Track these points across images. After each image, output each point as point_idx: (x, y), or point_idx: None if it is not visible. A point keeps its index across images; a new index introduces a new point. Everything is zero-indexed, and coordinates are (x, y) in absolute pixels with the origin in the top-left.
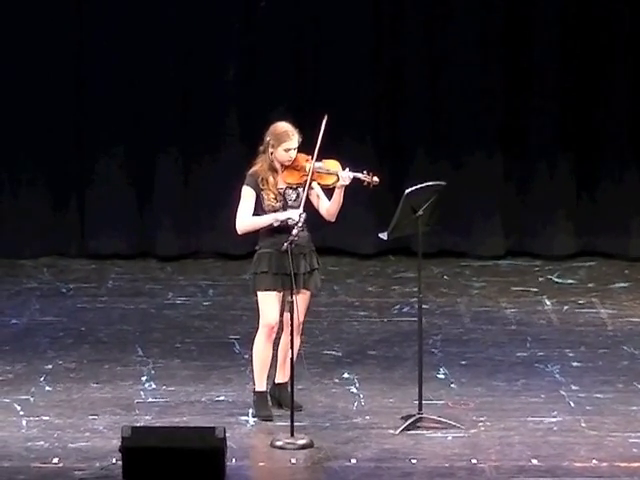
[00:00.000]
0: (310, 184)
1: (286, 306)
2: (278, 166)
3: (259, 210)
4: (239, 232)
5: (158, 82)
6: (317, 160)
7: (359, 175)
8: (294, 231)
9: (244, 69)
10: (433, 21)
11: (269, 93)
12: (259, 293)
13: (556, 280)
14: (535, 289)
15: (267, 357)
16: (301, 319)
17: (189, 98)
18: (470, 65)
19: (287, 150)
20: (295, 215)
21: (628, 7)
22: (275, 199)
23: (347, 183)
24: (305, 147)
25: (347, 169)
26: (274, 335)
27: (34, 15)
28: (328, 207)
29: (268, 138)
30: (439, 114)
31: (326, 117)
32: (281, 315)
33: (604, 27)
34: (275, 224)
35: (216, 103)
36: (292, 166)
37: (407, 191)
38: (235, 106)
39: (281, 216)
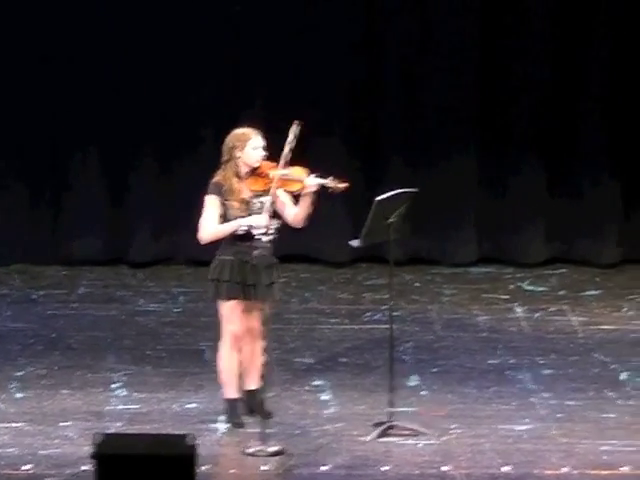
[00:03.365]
0: (275, 192)
1: (253, 314)
2: (244, 173)
3: (223, 220)
4: (202, 241)
5: (134, 86)
6: (283, 167)
7: (324, 181)
8: (265, 238)
9: (220, 73)
10: (412, 27)
11: (244, 97)
12: (222, 302)
13: (527, 288)
14: (506, 296)
15: (233, 364)
16: (258, 328)
17: (164, 103)
18: (447, 72)
19: (255, 148)
20: (261, 220)
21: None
22: (239, 209)
23: (313, 190)
24: (276, 152)
25: (312, 175)
26: (240, 343)
27: (12, 17)
28: (296, 213)
29: (231, 144)
30: (415, 121)
31: (297, 123)
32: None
33: (589, 30)
34: (239, 231)
35: (191, 108)
36: (256, 173)
37: (378, 198)
38: (209, 111)
39: (245, 222)
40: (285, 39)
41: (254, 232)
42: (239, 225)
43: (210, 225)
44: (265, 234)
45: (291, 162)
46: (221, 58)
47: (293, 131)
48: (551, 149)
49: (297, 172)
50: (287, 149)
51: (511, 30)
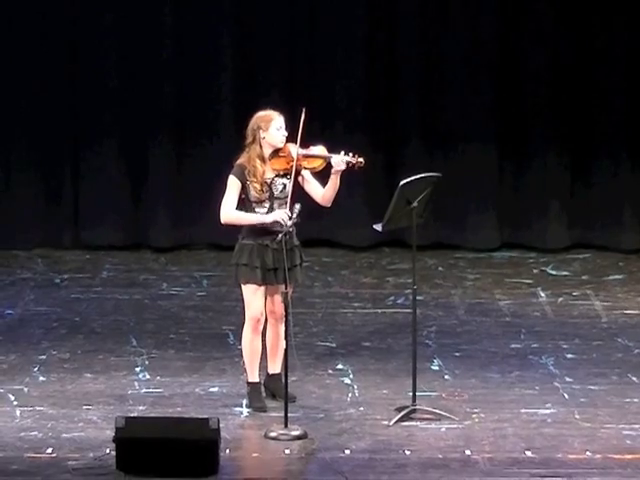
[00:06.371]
0: (297, 170)
1: (275, 297)
2: (267, 154)
3: (245, 201)
4: (222, 222)
5: (151, 73)
6: (303, 147)
7: (350, 159)
8: (289, 222)
9: (237, 60)
10: (429, 12)
11: (262, 84)
12: (242, 285)
13: (550, 272)
14: (529, 281)
15: (256, 348)
16: (281, 312)
17: (182, 89)
18: (466, 57)
19: (279, 129)
20: (283, 216)
21: (623, 6)
22: (261, 190)
23: (343, 168)
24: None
25: (342, 152)
26: (261, 326)
27: (29, 7)
28: (323, 192)
29: (255, 126)
30: (434, 105)
31: (303, 111)
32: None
33: (599, 24)
34: (258, 225)
35: (209, 94)
36: (279, 154)
37: (402, 182)
38: (228, 97)
39: (268, 218)
40: (302, 26)
41: (274, 228)
42: (261, 222)
43: (231, 209)
44: (288, 219)
45: (309, 143)
46: (238, 48)
47: (302, 119)
48: (573, 135)
49: (318, 149)
50: (300, 131)
51: (532, 16)
